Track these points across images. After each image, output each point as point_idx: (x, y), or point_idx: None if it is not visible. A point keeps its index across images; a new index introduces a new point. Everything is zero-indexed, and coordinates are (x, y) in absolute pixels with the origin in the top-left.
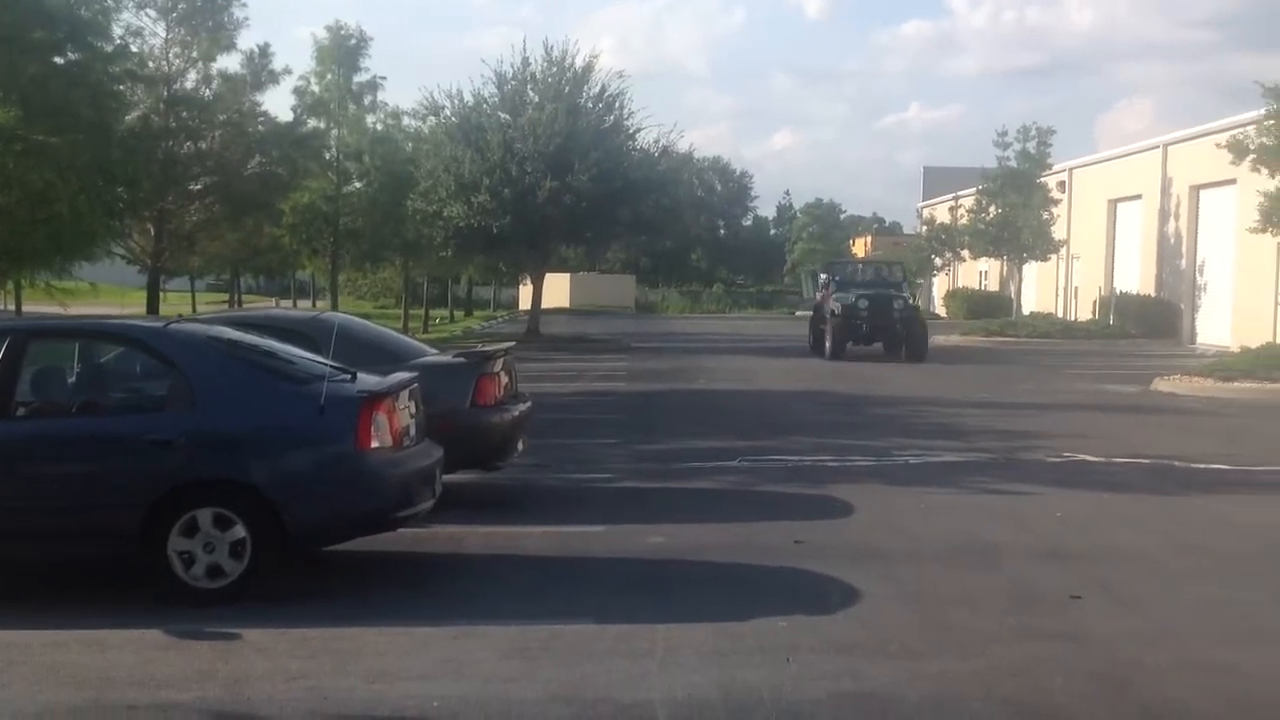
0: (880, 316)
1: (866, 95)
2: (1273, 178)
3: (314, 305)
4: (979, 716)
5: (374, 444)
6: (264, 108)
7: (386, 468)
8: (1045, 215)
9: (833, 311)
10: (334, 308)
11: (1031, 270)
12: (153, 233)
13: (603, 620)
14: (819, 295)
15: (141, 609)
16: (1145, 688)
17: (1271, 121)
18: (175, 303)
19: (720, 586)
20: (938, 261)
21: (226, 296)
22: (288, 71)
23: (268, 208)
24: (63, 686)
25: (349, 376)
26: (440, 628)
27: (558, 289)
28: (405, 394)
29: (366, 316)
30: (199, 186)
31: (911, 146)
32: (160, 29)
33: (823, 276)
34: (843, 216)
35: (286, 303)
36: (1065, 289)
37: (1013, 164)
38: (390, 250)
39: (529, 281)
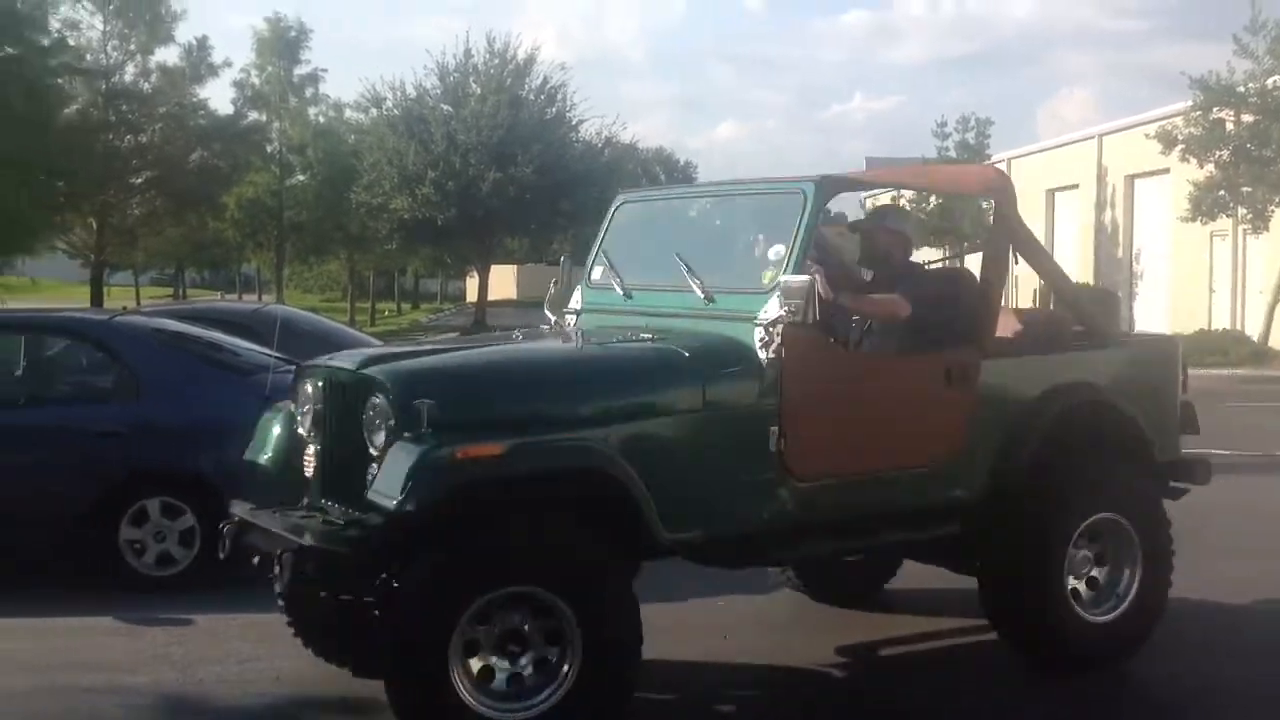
0: None
1: (808, 85)
2: (1201, 168)
3: (260, 299)
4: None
5: None
6: (205, 100)
7: None
8: (985, 205)
9: None
10: (280, 301)
11: (973, 262)
12: (94, 227)
13: None
14: None
15: (92, 598)
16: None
17: (1199, 112)
18: (119, 297)
19: None
20: None
21: (171, 291)
22: (228, 64)
23: (210, 201)
24: (15, 673)
25: (293, 368)
26: None
27: (504, 281)
28: None
29: (313, 310)
30: (140, 180)
31: (854, 137)
32: (98, 21)
33: None
34: None
35: (232, 296)
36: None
37: (952, 154)
38: (335, 243)
39: (475, 274)
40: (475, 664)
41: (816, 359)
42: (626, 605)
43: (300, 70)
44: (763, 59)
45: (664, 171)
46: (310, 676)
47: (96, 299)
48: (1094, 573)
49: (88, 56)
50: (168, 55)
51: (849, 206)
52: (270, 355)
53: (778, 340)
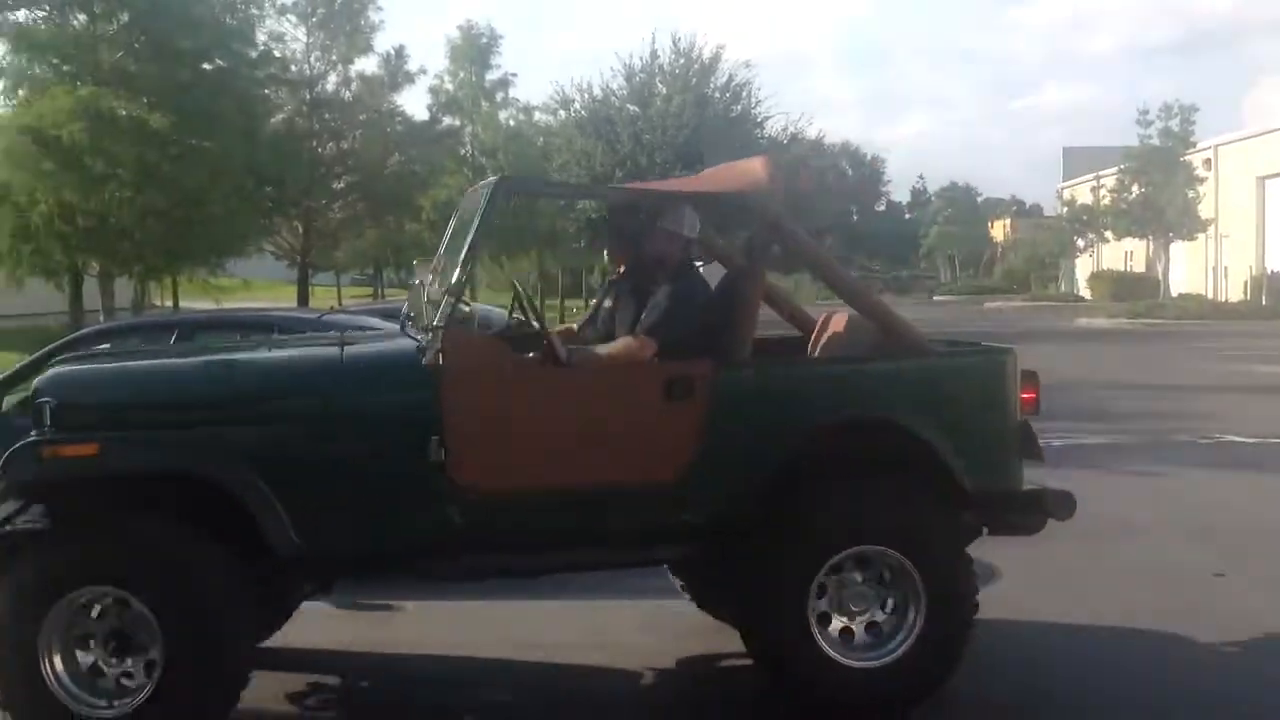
0: None
1: (1001, 76)
2: None
3: None
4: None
5: None
6: (401, 107)
7: None
8: (1191, 194)
9: None
10: (472, 299)
11: (1179, 250)
12: (300, 230)
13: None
14: None
15: None
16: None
17: None
18: (323, 296)
19: None
20: (1080, 243)
21: (370, 290)
22: (423, 71)
23: (406, 204)
24: None
25: None
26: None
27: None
28: None
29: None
30: (341, 185)
31: (1049, 127)
32: (301, 34)
33: None
34: (980, 200)
35: None
36: (1214, 269)
37: (1155, 142)
38: (525, 243)
39: None
40: (84, 658)
41: (486, 367)
42: (213, 609)
43: (491, 75)
44: (955, 50)
45: (851, 166)
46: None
47: (303, 298)
48: (877, 614)
49: (292, 67)
50: (367, 64)
51: (1046, 199)
52: None
53: (438, 347)
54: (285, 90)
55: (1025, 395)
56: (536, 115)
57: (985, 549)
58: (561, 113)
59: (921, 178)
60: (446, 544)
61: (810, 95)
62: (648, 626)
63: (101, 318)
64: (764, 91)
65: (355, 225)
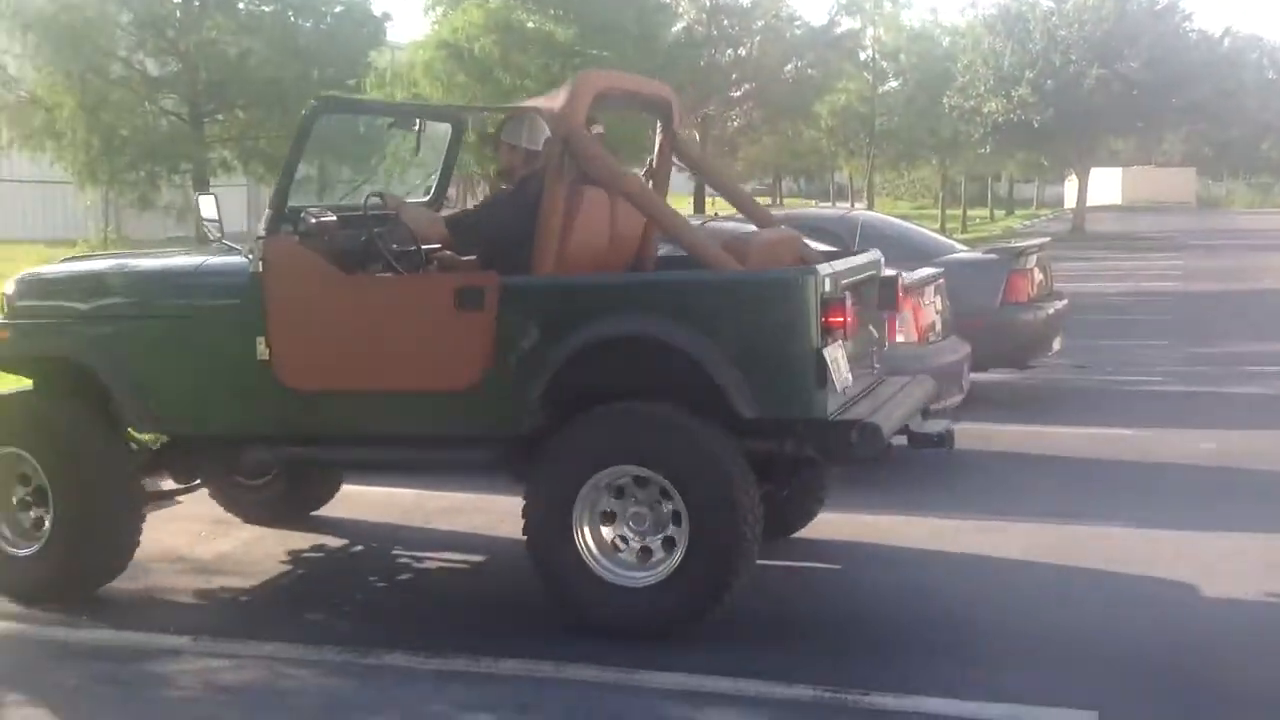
0: None
1: None
2: None
3: (852, 206)
4: None
5: (899, 338)
6: (798, 12)
7: (911, 362)
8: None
9: None
10: (870, 208)
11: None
12: (697, 138)
13: (1145, 525)
14: None
15: None
16: None
17: None
18: (724, 207)
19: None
20: None
21: (769, 199)
22: None
23: (803, 110)
24: None
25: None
26: (964, 520)
27: (1107, 185)
28: (930, 289)
29: (903, 217)
30: (738, 93)
31: None
32: None
33: None
34: None
35: (826, 204)
36: None
37: None
38: (926, 149)
39: (1075, 177)
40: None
41: (302, 275)
42: (90, 474)
43: None
44: None
45: None
46: (882, 582)
47: (699, 207)
48: (653, 535)
49: None
50: None
51: None
52: None
53: (259, 255)
54: None
55: (832, 319)
56: (942, 14)
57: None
58: (969, 11)
59: None
60: (275, 435)
61: None
62: (1030, 549)
63: None
64: None
65: (751, 133)
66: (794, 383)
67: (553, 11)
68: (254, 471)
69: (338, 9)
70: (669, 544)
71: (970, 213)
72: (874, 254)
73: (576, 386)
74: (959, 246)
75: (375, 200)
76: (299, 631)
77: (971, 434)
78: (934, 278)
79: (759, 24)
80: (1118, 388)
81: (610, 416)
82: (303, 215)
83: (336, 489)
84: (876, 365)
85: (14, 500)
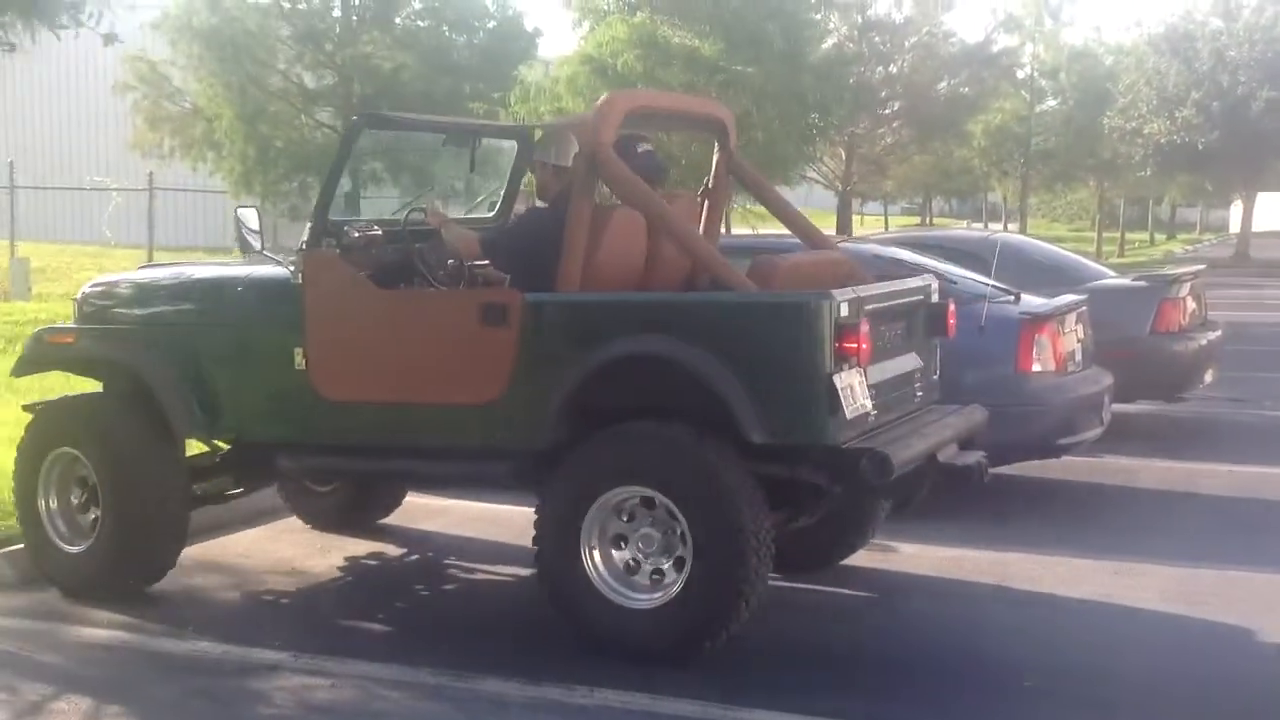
0: None
1: None
2: None
3: (1004, 227)
4: None
5: (1035, 366)
6: (954, 29)
7: (1048, 392)
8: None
9: None
10: (1022, 230)
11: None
12: (843, 157)
13: None
14: None
15: None
16: None
17: None
18: (870, 226)
19: None
20: None
21: (918, 219)
22: None
23: (955, 129)
24: None
25: (1012, 297)
26: (1100, 561)
27: (1274, 210)
28: (1072, 317)
29: (1057, 240)
30: (888, 111)
31: None
32: None
33: None
34: None
35: (978, 225)
36: None
37: None
38: (1084, 170)
39: (1240, 201)
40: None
41: (338, 287)
42: (145, 483)
43: None
44: None
45: None
46: (1006, 621)
47: (844, 227)
48: (662, 558)
49: None
50: None
51: None
52: (989, 284)
53: (300, 267)
54: (836, 15)
55: (847, 345)
56: (1105, 33)
57: None
58: (1135, 29)
59: None
60: (305, 444)
61: None
62: (1172, 595)
63: None
64: None
65: (900, 151)
66: (804, 408)
67: (698, 27)
68: (320, 479)
69: (491, 25)
70: (679, 566)
71: (1129, 236)
72: (924, 279)
73: (598, 405)
74: (1108, 272)
75: (417, 215)
76: (398, 651)
77: (1114, 469)
78: (1076, 305)
79: (911, 40)
80: (1274, 424)
81: (617, 437)
82: (345, 229)
83: (401, 498)
84: (919, 394)
85: (73, 501)
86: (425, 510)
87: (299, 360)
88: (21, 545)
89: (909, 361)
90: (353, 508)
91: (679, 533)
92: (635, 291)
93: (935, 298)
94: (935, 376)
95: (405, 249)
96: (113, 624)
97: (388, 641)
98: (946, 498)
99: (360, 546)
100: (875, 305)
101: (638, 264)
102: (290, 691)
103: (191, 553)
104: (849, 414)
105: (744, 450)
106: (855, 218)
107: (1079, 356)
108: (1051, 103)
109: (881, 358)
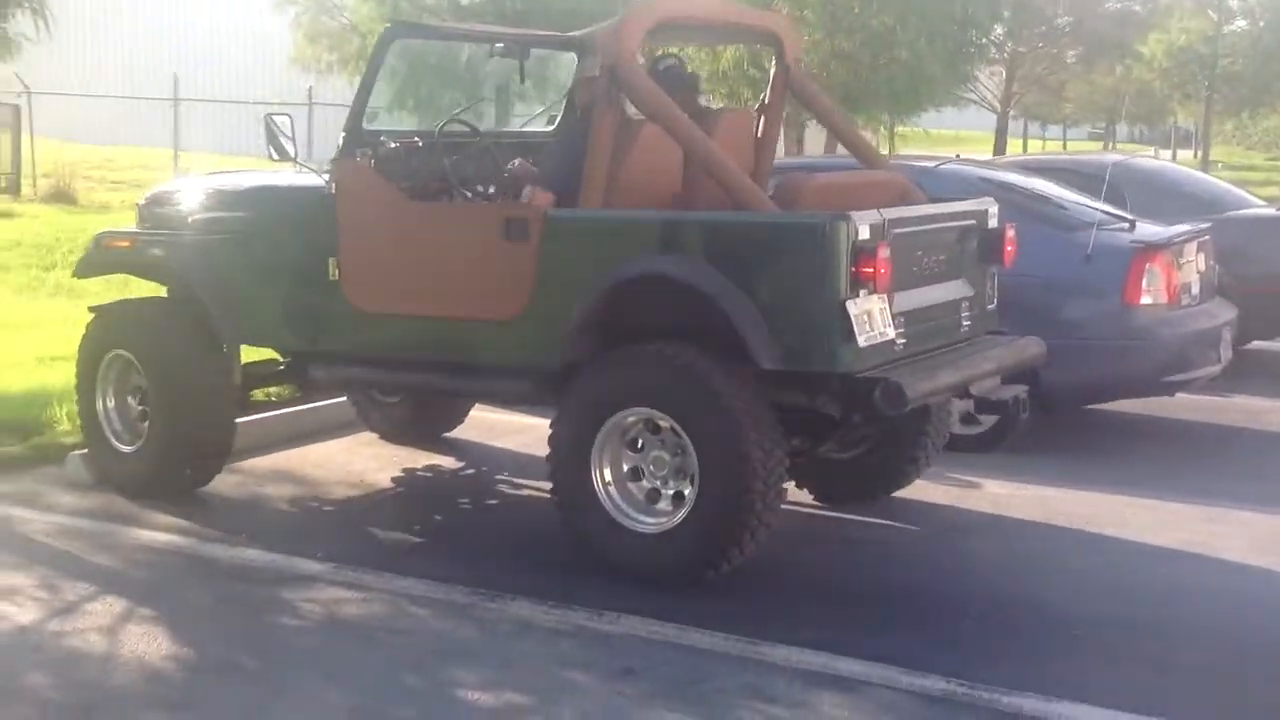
0: None
1: None
2: None
3: (1195, 155)
4: None
5: (1144, 299)
6: None
7: (1157, 326)
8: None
9: None
10: (1204, 158)
11: None
12: (1003, 76)
13: None
14: None
15: None
16: None
17: None
18: (1050, 146)
19: None
20: None
21: (1101, 144)
22: None
23: (1123, 48)
24: None
25: (1127, 225)
26: (1196, 506)
27: None
28: (1192, 246)
29: (1250, 168)
30: (1045, 28)
31: None
32: None
33: None
34: None
35: (1166, 153)
36: None
37: None
38: (1272, 95)
39: None
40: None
41: (368, 200)
42: (192, 387)
43: None
44: None
45: None
46: (1073, 566)
47: (999, 150)
48: (670, 481)
49: None
50: None
51: None
52: (1103, 210)
53: (333, 177)
54: None
55: (863, 270)
56: None
57: None
58: None
59: None
60: (336, 354)
61: None
62: (1264, 545)
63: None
64: None
65: (1061, 71)
66: (816, 335)
67: None
68: (352, 390)
69: None
70: (686, 492)
71: None
72: (980, 203)
73: (624, 325)
74: (1256, 202)
75: (457, 126)
76: (436, 567)
77: (1240, 409)
78: (1198, 233)
79: None
80: None
81: (623, 358)
82: (382, 139)
83: (465, 413)
84: (967, 323)
85: (131, 401)
86: (507, 427)
87: (333, 271)
88: None
89: (954, 289)
90: (414, 421)
91: (688, 456)
92: (657, 210)
93: (993, 223)
94: (991, 306)
95: (438, 161)
96: (170, 528)
97: (428, 557)
98: (1050, 434)
99: (427, 459)
100: (907, 229)
101: (672, 182)
102: (321, 604)
103: (269, 461)
104: (864, 342)
105: (762, 377)
106: (1034, 142)
107: (1196, 289)
108: (1241, 23)
109: (916, 284)
